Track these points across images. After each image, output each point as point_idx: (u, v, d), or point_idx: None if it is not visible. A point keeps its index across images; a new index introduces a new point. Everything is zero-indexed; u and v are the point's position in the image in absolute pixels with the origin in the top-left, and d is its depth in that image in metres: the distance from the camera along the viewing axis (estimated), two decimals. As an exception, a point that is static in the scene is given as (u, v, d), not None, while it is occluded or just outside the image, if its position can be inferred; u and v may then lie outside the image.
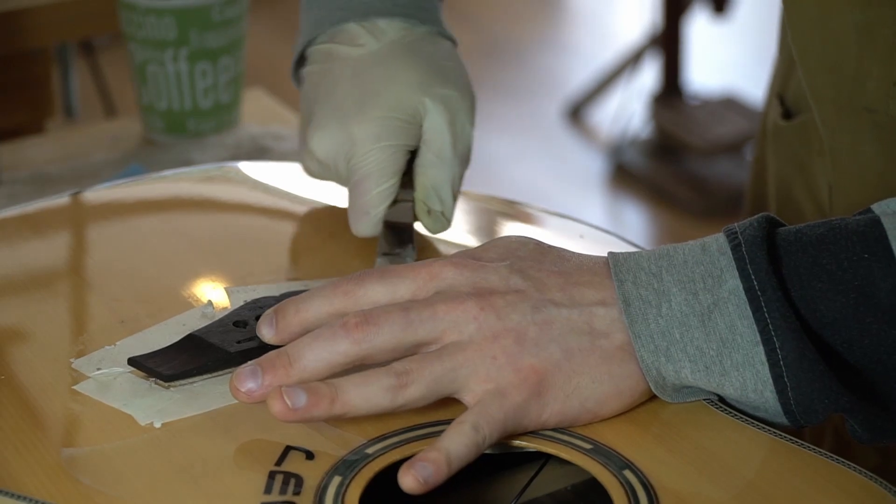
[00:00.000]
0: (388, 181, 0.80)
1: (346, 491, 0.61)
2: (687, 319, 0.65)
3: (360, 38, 0.83)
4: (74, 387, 0.68)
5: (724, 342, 0.65)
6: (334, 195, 0.86)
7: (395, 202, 0.81)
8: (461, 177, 0.83)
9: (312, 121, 0.82)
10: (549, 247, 0.70)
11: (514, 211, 0.90)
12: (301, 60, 0.86)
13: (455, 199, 0.82)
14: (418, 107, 0.81)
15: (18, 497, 0.60)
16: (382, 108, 0.80)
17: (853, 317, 0.65)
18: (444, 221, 0.82)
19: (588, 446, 0.65)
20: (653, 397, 0.67)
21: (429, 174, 0.81)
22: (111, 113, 2.40)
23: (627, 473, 0.63)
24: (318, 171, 0.83)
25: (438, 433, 0.65)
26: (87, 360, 0.70)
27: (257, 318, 0.70)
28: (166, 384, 0.68)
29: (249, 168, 0.91)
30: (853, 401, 0.64)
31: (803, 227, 0.67)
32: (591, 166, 3.01)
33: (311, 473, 0.62)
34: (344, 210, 0.82)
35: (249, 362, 0.66)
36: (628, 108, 2.98)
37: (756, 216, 0.67)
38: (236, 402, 0.66)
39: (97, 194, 0.89)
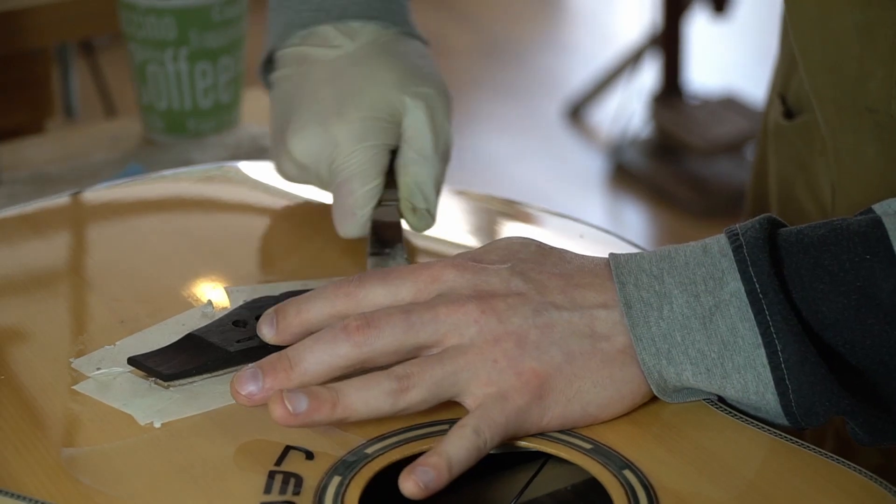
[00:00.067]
0: (373, 181, 0.80)
1: (345, 491, 0.61)
2: (688, 322, 0.65)
3: (334, 40, 0.83)
4: (74, 387, 0.68)
5: (725, 345, 0.65)
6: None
7: (379, 202, 0.81)
8: (443, 174, 0.83)
9: (291, 124, 0.81)
10: (551, 248, 0.70)
11: (514, 211, 0.90)
12: (269, 62, 0.86)
13: (438, 196, 0.82)
14: (398, 106, 0.81)
15: (18, 497, 0.60)
16: (363, 108, 0.80)
17: (855, 318, 0.65)
18: (429, 219, 0.82)
19: (588, 446, 0.65)
20: (653, 397, 0.67)
21: (412, 172, 0.81)
22: (111, 113, 2.40)
23: (627, 473, 0.63)
24: (297, 174, 0.83)
25: (438, 433, 0.65)
26: (86, 359, 0.70)
27: (257, 317, 0.70)
28: (166, 384, 0.68)
29: (249, 168, 0.91)
30: (854, 403, 0.64)
31: (804, 227, 0.67)
32: (591, 166, 3.01)
33: (311, 473, 0.62)
34: (344, 210, 0.82)
35: (250, 365, 0.66)
36: (628, 108, 2.98)
37: (757, 217, 0.67)
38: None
39: (97, 194, 0.89)
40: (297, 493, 0.61)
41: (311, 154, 0.81)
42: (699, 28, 3.35)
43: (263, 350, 0.69)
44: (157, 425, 0.66)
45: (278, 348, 0.68)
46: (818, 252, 0.65)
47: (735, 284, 0.65)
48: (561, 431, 0.66)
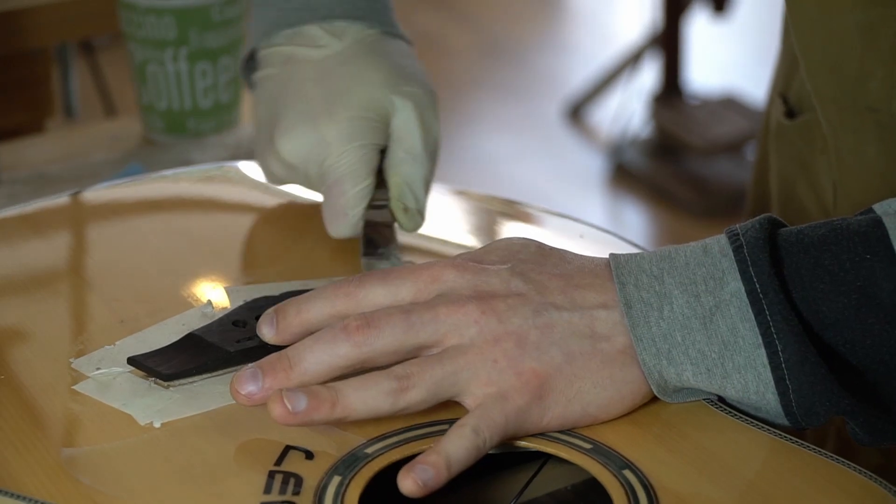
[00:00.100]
0: (364, 181, 0.80)
1: (345, 491, 0.61)
2: (689, 322, 0.65)
3: (321, 40, 0.83)
4: (74, 387, 0.68)
5: (725, 345, 0.65)
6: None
7: (370, 202, 0.81)
8: (432, 173, 0.83)
9: (279, 124, 0.81)
10: (551, 249, 0.70)
11: (514, 211, 0.90)
12: (250, 60, 0.86)
13: (427, 195, 0.82)
14: (387, 105, 0.81)
15: (18, 497, 0.60)
16: (353, 108, 0.80)
17: (855, 317, 0.64)
18: (420, 219, 0.82)
19: (588, 446, 0.65)
20: (653, 397, 0.67)
21: (402, 172, 0.81)
22: (111, 113, 2.40)
23: (627, 473, 0.63)
24: (284, 174, 0.83)
25: (438, 433, 0.65)
26: (86, 359, 0.70)
27: (257, 317, 0.70)
28: (166, 384, 0.68)
29: (249, 168, 0.91)
30: (854, 403, 0.64)
31: (805, 227, 0.67)
32: (591, 166, 3.01)
33: (311, 473, 0.62)
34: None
35: (249, 365, 0.66)
36: (628, 108, 2.98)
37: (757, 217, 0.67)
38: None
39: (97, 194, 0.89)
40: (296, 492, 0.61)
41: (300, 154, 0.80)
42: (699, 28, 3.35)
43: (263, 350, 0.69)
44: (157, 425, 0.66)
45: (278, 348, 0.68)
46: (818, 252, 0.65)
47: (735, 284, 0.65)
48: (561, 431, 0.66)
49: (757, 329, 0.65)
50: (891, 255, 0.64)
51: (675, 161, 2.93)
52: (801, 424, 0.66)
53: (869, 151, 0.80)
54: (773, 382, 0.65)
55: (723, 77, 3.25)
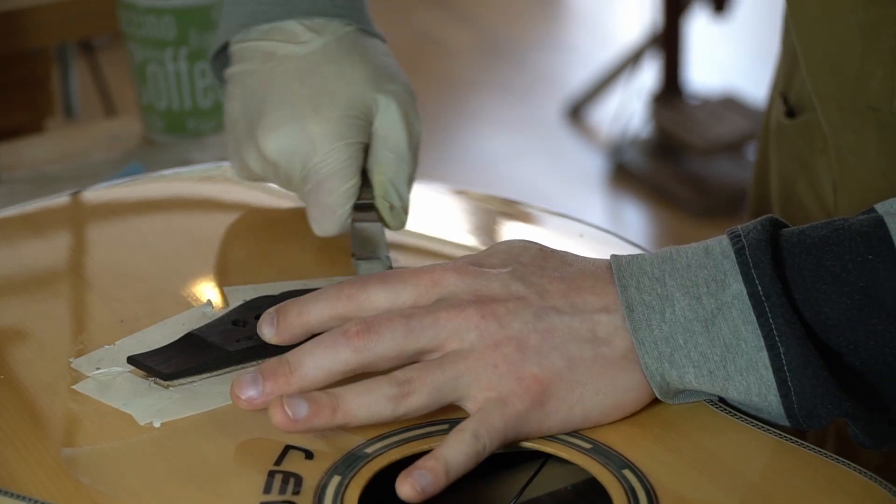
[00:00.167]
0: (351, 179, 0.80)
1: (345, 490, 0.61)
2: (690, 325, 0.65)
3: (302, 36, 0.82)
4: (74, 386, 0.68)
5: (727, 347, 0.65)
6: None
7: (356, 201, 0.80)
8: (415, 171, 0.83)
9: (263, 122, 0.81)
10: (552, 251, 0.69)
11: (514, 211, 0.90)
12: (220, 53, 0.85)
13: (410, 193, 0.82)
14: (370, 104, 0.81)
15: (18, 497, 0.60)
16: (339, 106, 0.80)
17: (858, 318, 0.64)
18: (404, 217, 0.81)
19: (588, 446, 0.65)
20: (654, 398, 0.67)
21: (386, 171, 0.81)
22: (111, 113, 2.40)
23: (627, 473, 0.63)
24: (263, 172, 0.82)
25: (438, 433, 0.65)
26: (86, 359, 0.70)
27: (257, 317, 0.70)
28: (165, 383, 0.68)
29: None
30: (856, 406, 0.64)
31: (806, 228, 0.66)
32: (591, 166, 3.01)
33: (311, 473, 0.62)
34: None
35: (250, 370, 0.66)
36: (628, 108, 2.98)
37: (759, 219, 0.67)
38: (236, 401, 0.66)
39: (97, 194, 0.89)
40: (296, 492, 0.61)
41: (285, 152, 0.80)
42: (699, 28, 3.35)
43: (263, 350, 0.69)
44: (157, 425, 0.65)
45: (278, 348, 0.68)
46: (820, 252, 0.65)
47: (737, 286, 0.65)
48: (561, 431, 0.66)
49: (759, 331, 0.64)
50: (893, 256, 0.64)
51: (675, 161, 2.93)
52: (802, 426, 0.66)
53: (870, 151, 0.80)
54: (775, 385, 0.65)
55: (723, 77, 3.25)
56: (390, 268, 0.77)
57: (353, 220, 0.80)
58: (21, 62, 1.30)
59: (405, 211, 0.82)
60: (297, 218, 0.85)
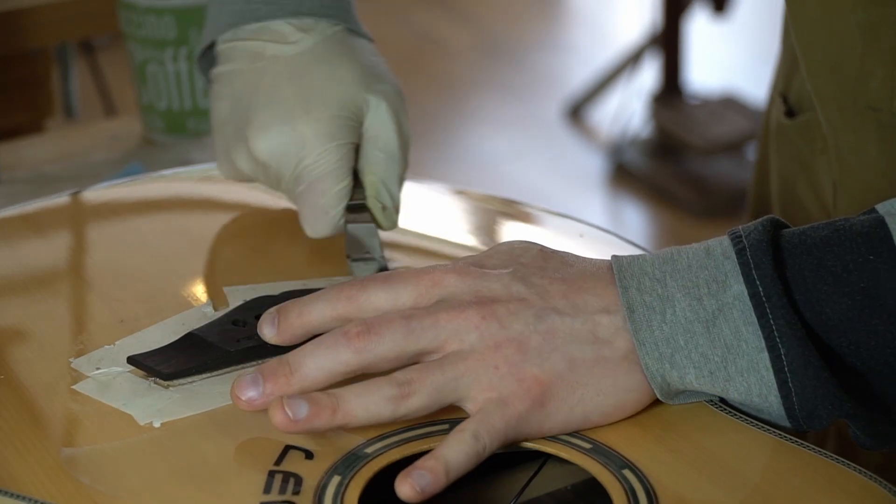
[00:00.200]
0: (344, 180, 0.80)
1: (345, 490, 0.61)
2: (691, 326, 0.65)
3: (291, 36, 0.82)
4: (74, 386, 0.68)
5: (728, 348, 0.65)
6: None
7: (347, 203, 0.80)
8: (406, 171, 0.83)
9: (253, 122, 0.80)
10: (553, 252, 0.69)
11: (514, 210, 0.90)
12: (207, 51, 0.85)
13: (401, 193, 0.82)
14: (361, 104, 0.81)
15: (18, 497, 0.60)
16: (331, 107, 0.80)
17: (859, 319, 0.64)
18: (396, 217, 0.81)
19: (588, 446, 0.65)
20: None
21: (378, 171, 0.81)
22: (111, 113, 2.40)
23: (627, 473, 0.63)
24: (253, 172, 0.82)
25: (438, 433, 0.65)
26: (86, 359, 0.70)
27: (257, 317, 0.70)
28: (165, 383, 0.68)
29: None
30: (857, 407, 0.64)
31: (807, 228, 0.66)
32: (591, 166, 3.01)
33: (311, 473, 0.62)
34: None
35: (250, 370, 0.66)
36: (628, 108, 2.98)
37: (760, 219, 0.67)
38: (236, 401, 0.66)
39: (97, 194, 0.89)
40: (296, 492, 0.61)
41: (275, 153, 0.80)
42: (699, 28, 3.35)
43: (263, 349, 0.69)
44: (157, 425, 0.66)
45: (278, 348, 0.68)
46: (821, 253, 0.65)
47: (738, 287, 0.65)
48: (561, 431, 0.66)
49: (760, 332, 0.64)
50: (894, 256, 0.64)
51: (675, 161, 2.93)
52: (803, 427, 0.66)
53: (870, 151, 0.80)
54: (775, 386, 0.65)
55: (723, 77, 3.25)
56: (385, 267, 0.77)
57: (346, 221, 0.80)
58: (21, 62, 1.30)
59: (396, 211, 0.81)
60: (297, 218, 0.85)
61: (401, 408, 0.64)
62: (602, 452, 0.64)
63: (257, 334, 0.69)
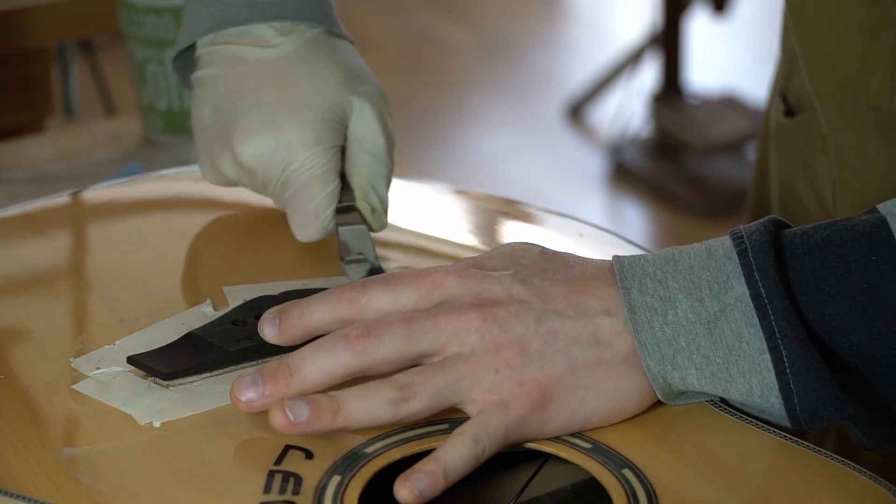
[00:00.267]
0: (331, 183, 0.79)
1: (345, 490, 0.61)
2: (693, 327, 0.65)
3: (273, 40, 0.81)
4: (74, 386, 0.68)
5: (730, 350, 0.65)
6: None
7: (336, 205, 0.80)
8: (392, 171, 0.82)
9: (238, 128, 0.80)
10: (554, 253, 0.69)
11: (514, 210, 0.90)
12: (184, 52, 0.84)
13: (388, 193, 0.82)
14: (345, 106, 0.80)
15: (18, 497, 0.60)
16: (316, 110, 0.79)
17: (861, 320, 0.64)
18: (385, 217, 0.81)
19: (588, 445, 0.65)
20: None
21: (365, 173, 0.81)
22: (111, 112, 2.40)
23: (627, 473, 0.63)
24: (239, 178, 0.82)
25: (438, 432, 0.65)
26: (86, 359, 0.70)
27: (256, 317, 0.70)
28: (165, 383, 0.68)
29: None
30: (858, 408, 0.64)
31: (809, 228, 0.66)
32: (591, 165, 3.01)
33: (311, 473, 0.62)
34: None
35: (249, 371, 0.66)
36: (628, 108, 2.98)
37: (762, 220, 0.67)
38: (236, 401, 0.66)
39: (97, 193, 0.89)
40: (296, 492, 0.61)
41: (261, 158, 0.79)
42: (699, 27, 3.35)
43: (262, 350, 0.69)
44: (157, 425, 0.65)
45: (278, 348, 0.68)
46: (823, 254, 0.65)
47: (740, 289, 0.65)
48: (561, 431, 0.66)
49: (762, 334, 0.64)
50: (896, 257, 0.64)
51: (675, 161, 2.93)
52: (804, 428, 0.66)
53: (869, 150, 0.79)
54: (777, 387, 0.65)
55: (723, 77, 3.25)
56: (379, 268, 0.77)
57: (337, 224, 0.80)
58: (21, 62, 1.30)
59: (385, 212, 0.81)
60: (297, 218, 0.85)
61: (401, 410, 0.64)
62: (602, 452, 0.64)
63: (257, 334, 0.69)
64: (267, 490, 0.61)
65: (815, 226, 0.66)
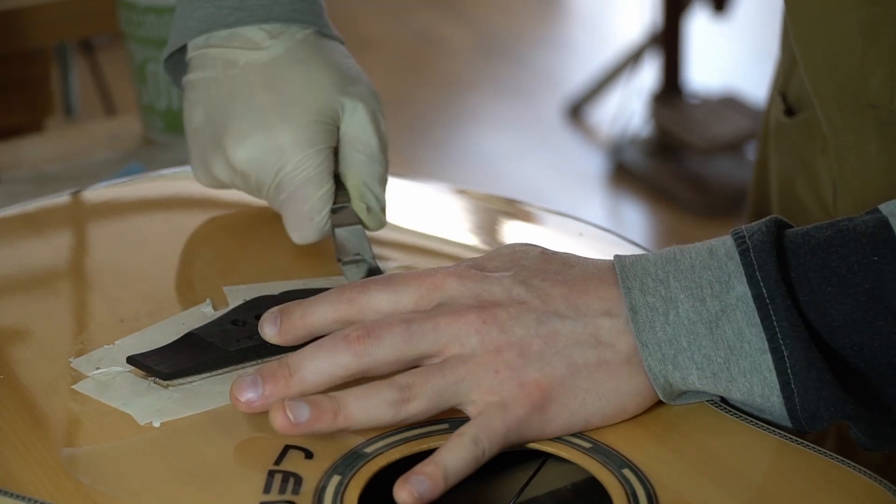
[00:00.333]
0: (326, 185, 0.79)
1: (345, 490, 0.61)
2: (694, 327, 0.65)
3: (263, 43, 0.81)
4: (74, 386, 0.68)
5: (731, 349, 0.65)
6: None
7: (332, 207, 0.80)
8: (387, 170, 0.82)
9: (230, 132, 0.80)
10: (554, 254, 0.69)
11: (514, 210, 0.90)
12: (175, 54, 0.84)
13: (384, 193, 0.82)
14: (337, 107, 0.80)
15: (18, 497, 0.60)
16: (309, 112, 0.79)
17: (863, 320, 0.64)
18: (382, 217, 0.81)
19: (588, 445, 0.65)
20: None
21: (359, 173, 0.81)
22: (111, 112, 2.40)
23: (627, 472, 0.63)
24: (232, 181, 0.82)
25: (438, 432, 0.65)
26: (86, 359, 0.70)
27: (256, 317, 0.70)
28: (165, 383, 0.68)
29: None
30: (858, 408, 0.64)
31: (811, 228, 0.66)
32: (591, 165, 3.01)
33: (311, 473, 0.62)
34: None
35: (249, 371, 0.65)
36: (628, 107, 2.98)
37: (764, 219, 0.67)
38: (236, 401, 0.66)
39: (97, 193, 0.89)
40: (296, 492, 0.61)
41: (255, 162, 0.79)
42: (699, 27, 3.35)
43: (262, 349, 0.69)
44: (157, 425, 0.65)
45: (277, 348, 0.68)
46: (825, 254, 0.65)
47: (742, 289, 0.65)
48: (561, 431, 0.66)
49: (763, 334, 0.64)
50: (898, 257, 0.64)
51: (675, 160, 2.93)
52: (804, 428, 0.66)
53: (869, 149, 0.79)
54: (778, 387, 0.64)
55: (723, 76, 3.25)
56: (377, 268, 0.77)
57: (333, 225, 0.80)
58: (21, 62, 1.30)
59: (382, 211, 0.81)
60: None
61: (401, 412, 0.64)
62: (602, 452, 0.64)
63: (257, 334, 0.69)
64: (267, 490, 0.61)
65: (817, 226, 0.66)
